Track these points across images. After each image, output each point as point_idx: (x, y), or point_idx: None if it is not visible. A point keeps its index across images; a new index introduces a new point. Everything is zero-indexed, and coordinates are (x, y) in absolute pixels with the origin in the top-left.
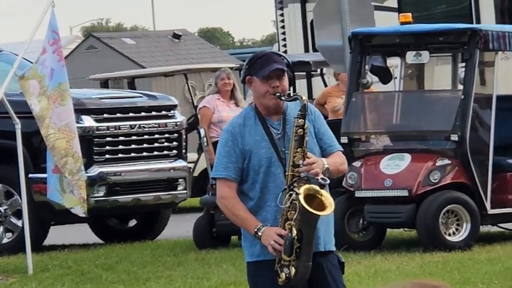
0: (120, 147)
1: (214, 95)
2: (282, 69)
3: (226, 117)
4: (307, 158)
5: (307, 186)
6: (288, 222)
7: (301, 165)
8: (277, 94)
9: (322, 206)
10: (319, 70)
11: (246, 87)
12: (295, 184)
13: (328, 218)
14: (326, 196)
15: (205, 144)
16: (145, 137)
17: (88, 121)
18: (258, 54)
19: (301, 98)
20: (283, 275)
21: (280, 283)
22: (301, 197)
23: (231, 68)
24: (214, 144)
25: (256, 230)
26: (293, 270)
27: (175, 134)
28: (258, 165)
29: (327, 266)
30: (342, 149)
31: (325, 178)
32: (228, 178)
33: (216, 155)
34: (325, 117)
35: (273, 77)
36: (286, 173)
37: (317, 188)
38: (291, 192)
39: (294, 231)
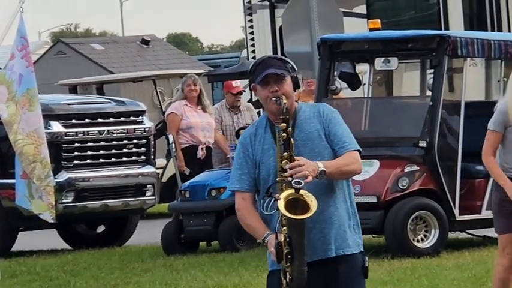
0: (89, 152)
1: (182, 101)
2: (276, 74)
3: (195, 123)
4: (295, 161)
5: (288, 191)
6: (283, 228)
7: (288, 170)
8: (273, 98)
9: (306, 208)
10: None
11: (217, 93)
12: (281, 187)
13: (339, 220)
14: (310, 198)
15: (174, 150)
16: (114, 142)
17: (56, 127)
18: (257, 60)
19: (282, 100)
20: (284, 282)
21: None
22: (280, 203)
23: (200, 74)
24: (184, 150)
25: (263, 238)
26: (288, 277)
27: (144, 140)
28: (267, 174)
29: (344, 271)
30: (355, 149)
31: (299, 181)
32: (242, 190)
33: (232, 166)
34: None
35: (270, 81)
36: (277, 179)
37: (295, 191)
38: (272, 197)
39: (281, 237)
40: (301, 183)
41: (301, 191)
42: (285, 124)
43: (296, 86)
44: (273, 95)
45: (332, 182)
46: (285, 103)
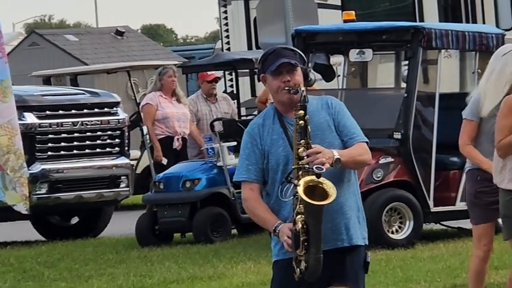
0: (63, 144)
1: (157, 92)
2: (290, 63)
3: (171, 114)
4: (312, 148)
5: (307, 177)
6: (297, 216)
7: (305, 157)
8: (286, 88)
9: (325, 195)
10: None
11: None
12: (297, 175)
13: (351, 211)
14: (328, 185)
15: (148, 141)
16: (88, 134)
17: (30, 118)
18: (268, 50)
19: (300, 89)
20: (298, 271)
21: (296, 279)
22: (300, 189)
23: (174, 66)
24: (159, 141)
25: (274, 228)
26: (304, 264)
27: (118, 131)
28: (276, 164)
29: (350, 262)
30: (364, 140)
31: (320, 167)
32: (249, 180)
33: (239, 157)
34: None
35: (283, 71)
36: (293, 166)
37: (316, 177)
38: (292, 184)
39: (299, 224)
40: (323, 169)
41: (321, 178)
42: (302, 112)
43: (306, 77)
44: (285, 85)
45: (344, 172)
46: (303, 90)
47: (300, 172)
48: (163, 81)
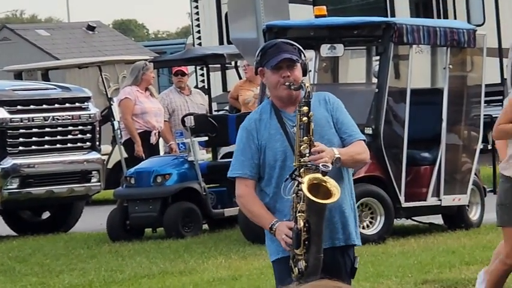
0: (34, 139)
1: (133, 87)
2: (291, 59)
3: (149, 109)
4: (315, 146)
5: (311, 175)
6: (298, 214)
7: (307, 155)
8: (287, 84)
9: (328, 194)
10: (233, 63)
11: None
12: (298, 173)
13: (348, 210)
14: (332, 184)
15: (120, 136)
16: (59, 129)
17: (1, 113)
18: (268, 44)
19: (305, 85)
20: (296, 270)
21: (294, 278)
22: (304, 186)
23: (146, 60)
24: (138, 135)
25: (270, 226)
26: (304, 263)
27: (89, 126)
28: (273, 160)
29: (344, 261)
30: (363, 138)
31: (327, 165)
32: (244, 176)
33: (234, 152)
34: (238, 110)
35: (283, 66)
36: (294, 163)
37: (322, 175)
38: (295, 181)
39: (301, 223)
40: (329, 168)
41: (325, 177)
42: (307, 108)
43: (305, 72)
44: (284, 80)
45: (341, 172)
46: (307, 86)
47: (302, 169)
48: (145, 76)
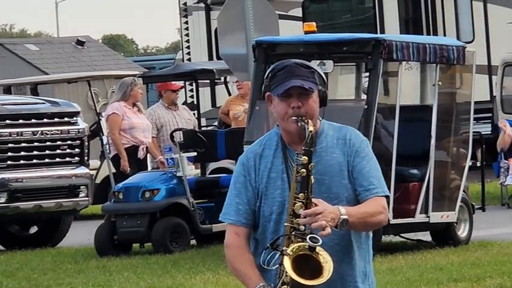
0: (22, 153)
1: (121, 102)
2: (303, 87)
3: (137, 124)
4: (313, 205)
5: (298, 244)
6: (283, 287)
7: (302, 216)
8: (294, 118)
9: (318, 270)
10: (222, 78)
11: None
12: (288, 238)
13: (353, 282)
14: (325, 258)
15: (108, 151)
16: (48, 143)
17: None
18: (278, 65)
19: (308, 126)
20: None
21: None
22: (287, 261)
23: (135, 75)
24: (125, 150)
25: None
26: None
27: (78, 141)
28: (269, 211)
29: None
30: (383, 194)
31: (316, 238)
32: (237, 224)
33: (228, 191)
34: (228, 125)
35: (293, 94)
36: (285, 223)
37: (312, 251)
38: (277, 250)
39: None
40: (318, 241)
41: (321, 250)
42: (307, 158)
43: (323, 103)
44: (293, 113)
45: (350, 231)
46: (310, 131)
47: (293, 233)
48: (133, 92)
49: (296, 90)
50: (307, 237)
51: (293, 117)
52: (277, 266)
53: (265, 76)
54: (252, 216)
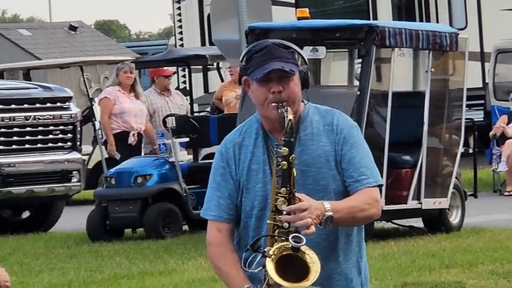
0: (15, 138)
1: (115, 87)
2: (284, 70)
3: (128, 109)
4: (296, 200)
5: (281, 244)
6: None
7: (284, 212)
8: (273, 104)
9: (305, 271)
10: (215, 64)
11: (144, 80)
12: (271, 237)
13: (344, 279)
14: (311, 258)
15: (101, 136)
16: (40, 128)
17: None
18: (255, 46)
19: (287, 114)
20: None
21: None
22: (269, 263)
23: (127, 61)
24: (115, 136)
25: None
26: None
27: (70, 126)
28: (251, 206)
29: None
30: (375, 184)
31: (299, 237)
32: (220, 220)
33: (209, 184)
34: (222, 111)
35: (273, 78)
36: (268, 221)
37: (296, 251)
38: (259, 252)
39: None
40: (302, 241)
41: (307, 249)
42: (287, 149)
43: (305, 84)
44: (274, 98)
45: (339, 231)
46: (290, 120)
47: (277, 232)
48: (119, 77)
49: (276, 74)
50: (290, 237)
51: (273, 104)
52: (260, 268)
53: (240, 58)
54: (234, 211)
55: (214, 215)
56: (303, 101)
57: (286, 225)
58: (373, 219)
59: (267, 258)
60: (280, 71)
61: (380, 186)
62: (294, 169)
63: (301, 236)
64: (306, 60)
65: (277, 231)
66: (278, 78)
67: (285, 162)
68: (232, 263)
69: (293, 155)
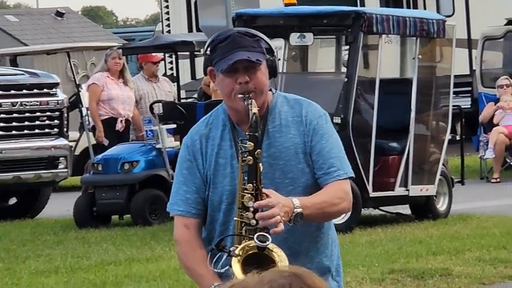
0: (1, 124)
1: (104, 73)
2: (250, 61)
3: (116, 95)
4: (264, 197)
5: (247, 242)
6: None
7: (251, 209)
8: (240, 95)
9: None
10: (202, 50)
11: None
12: (236, 237)
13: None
14: (279, 255)
15: (88, 122)
16: (27, 114)
17: None
18: (219, 35)
19: (252, 107)
20: None
21: None
22: (235, 263)
23: (114, 47)
24: (103, 122)
25: None
26: None
27: (57, 112)
28: (219, 201)
29: None
30: (347, 176)
31: (265, 236)
32: (187, 215)
33: (174, 177)
34: (209, 97)
35: (239, 68)
36: (235, 218)
37: (262, 250)
38: (224, 252)
39: None
40: (268, 240)
41: (274, 247)
42: (252, 144)
43: (273, 73)
44: (241, 89)
45: (309, 226)
46: (254, 113)
47: (244, 229)
48: (108, 63)
49: (242, 64)
50: (255, 236)
51: (240, 95)
52: (226, 268)
53: (204, 48)
54: (202, 205)
55: (182, 210)
56: (270, 90)
57: (253, 222)
58: (344, 213)
59: (233, 258)
60: (247, 61)
61: (351, 178)
62: (260, 164)
63: (267, 235)
64: (273, 47)
65: (244, 228)
66: (244, 68)
67: (251, 158)
68: (201, 260)
69: (259, 150)
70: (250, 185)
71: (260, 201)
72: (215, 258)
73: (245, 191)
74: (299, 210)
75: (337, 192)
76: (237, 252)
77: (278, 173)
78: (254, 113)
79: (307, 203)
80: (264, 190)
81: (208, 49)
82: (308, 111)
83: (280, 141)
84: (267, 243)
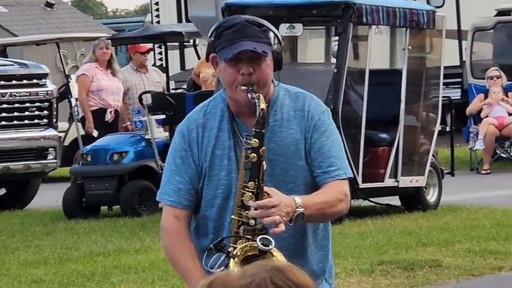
0: None
1: (92, 64)
2: (255, 51)
3: (105, 86)
4: (265, 196)
5: (247, 243)
6: None
7: (252, 208)
8: (243, 88)
9: None
10: (192, 41)
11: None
12: (235, 235)
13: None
14: (278, 259)
15: (77, 113)
16: (16, 105)
17: None
18: (226, 22)
19: (258, 102)
20: None
21: None
22: (233, 265)
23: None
24: (92, 113)
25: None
26: None
27: (46, 103)
28: (213, 195)
29: None
30: (346, 177)
31: (268, 239)
32: (178, 206)
33: (166, 165)
34: (199, 88)
35: (243, 59)
36: (232, 216)
37: (263, 254)
38: (223, 252)
39: None
40: (271, 244)
41: (274, 250)
42: (257, 141)
43: (278, 66)
44: (243, 80)
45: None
46: (262, 109)
47: (242, 229)
48: (96, 53)
49: (247, 54)
50: (258, 239)
51: (243, 87)
52: (222, 268)
53: (209, 34)
54: (194, 197)
55: (173, 201)
56: (272, 82)
57: (252, 222)
58: (341, 214)
59: (231, 260)
60: (252, 52)
61: (349, 178)
62: (264, 162)
63: (270, 238)
64: (280, 39)
65: (242, 227)
66: (249, 59)
67: (255, 155)
68: (191, 254)
69: (263, 148)
70: (252, 183)
71: (259, 201)
72: (211, 260)
73: (246, 189)
74: (301, 210)
75: (337, 194)
76: (235, 252)
77: (278, 170)
78: (262, 109)
79: (309, 202)
80: (265, 188)
81: (213, 35)
82: (311, 106)
83: (281, 136)
84: (270, 247)
